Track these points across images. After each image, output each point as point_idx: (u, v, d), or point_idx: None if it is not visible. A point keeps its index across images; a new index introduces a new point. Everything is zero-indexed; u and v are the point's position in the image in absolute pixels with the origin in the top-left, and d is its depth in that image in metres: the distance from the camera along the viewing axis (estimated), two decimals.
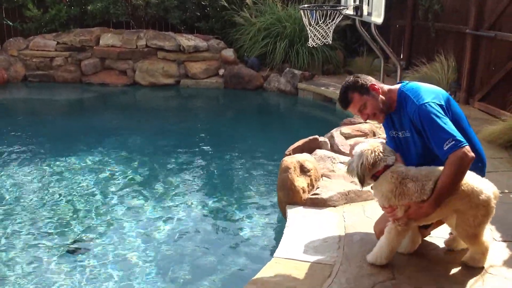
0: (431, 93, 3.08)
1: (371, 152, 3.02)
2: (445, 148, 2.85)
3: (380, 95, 3.19)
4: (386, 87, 3.26)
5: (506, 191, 4.38)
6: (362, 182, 3.06)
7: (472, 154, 2.84)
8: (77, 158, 6.27)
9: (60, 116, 8.85)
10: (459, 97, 7.61)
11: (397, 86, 3.24)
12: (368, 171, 3.01)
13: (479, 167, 3.13)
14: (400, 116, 3.20)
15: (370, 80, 3.23)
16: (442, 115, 2.95)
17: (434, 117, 2.93)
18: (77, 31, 11.17)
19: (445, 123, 2.91)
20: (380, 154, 3.03)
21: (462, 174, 2.87)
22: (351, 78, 3.27)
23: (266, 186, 5.46)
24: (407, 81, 3.29)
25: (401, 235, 3.07)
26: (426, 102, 2.99)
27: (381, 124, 3.53)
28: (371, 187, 3.17)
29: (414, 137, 3.15)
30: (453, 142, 2.84)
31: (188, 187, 5.46)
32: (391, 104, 3.21)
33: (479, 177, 3.03)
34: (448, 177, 2.85)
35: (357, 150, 3.09)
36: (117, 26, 11.70)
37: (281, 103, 10.06)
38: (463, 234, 3.05)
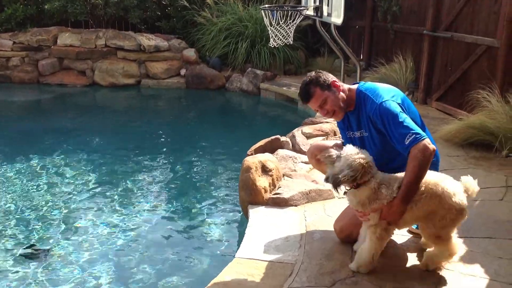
0: (389, 92, 3.17)
1: (360, 164, 2.89)
2: (406, 143, 2.92)
3: (341, 93, 3.24)
4: (345, 85, 3.31)
5: None
6: (338, 189, 2.96)
7: (432, 146, 2.91)
8: (35, 160, 6.13)
9: (17, 118, 8.63)
10: (417, 97, 7.76)
11: (355, 86, 3.31)
12: (353, 182, 2.90)
13: (433, 162, 3.21)
14: (358, 115, 3.25)
15: (331, 77, 3.27)
16: (401, 111, 3.03)
17: (394, 114, 3.00)
18: (34, 30, 10.91)
19: (404, 119, 2.98)
20: (366, 165, 2.90)
21: (426, 166, 2.89)
22: (312, 73, 3.30)
23: (228, 186, 5.45)
24: (364, 82, 3.35)
25: (382, 240, 3.03)
26: (386, 100, 3.07)
27: (337, 126, 3.56)
28: (345, 193, 3.08)
29: (373, 136, 3.20)
30: (414, 135, 2.91)
31: (149, 188, 5.41)
32: (349, 103, 3.26)
33: (455, 181, 3.00)
34: (412, 171, 2.88)
35: (343, 160, 2.93)
36: (75, 26, 11.48)
37: (244, 103, 10.06)
38: (426, 232, 3.05)
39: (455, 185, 2.99)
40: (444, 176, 3.04)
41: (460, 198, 2.94)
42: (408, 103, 3.21)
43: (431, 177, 2.98)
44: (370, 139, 3.24)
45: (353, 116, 3.30)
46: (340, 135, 5.69)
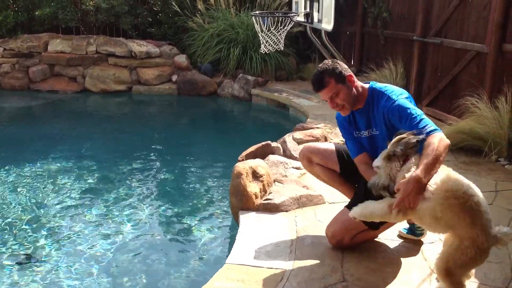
0: (402, 91, 3.17)
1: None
2: (424, 133, 2.84)
3: (354, 88, 3.20)
4: (359, 82, 3.26)
5: None
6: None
7: (447, 140, 2.81)
8: (26, 167, 6.09)
9: (7, 124, 8.58)
10: None
11: (367, 85, 3.27)
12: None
13: None
14: (368, 113, 3.23)
15: (347, 70, 3.22)
16: (417, 109, 3.03)
17: (412, 110, 2.99)
18: (25, 37, 10.90)
19: (421, 115, 2.97)
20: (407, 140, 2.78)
21: (442, 152, 2.72)
22: (329, 62, 3.22)
23: (219, 192, 5.44)
24: (374, 82, 3.32)
25: None
26: (402, 98, 3.08)
27: (339, 127, 3.53)
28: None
29: (383, 134, 3.18)
30: (431, 127, 2.84)
31: (140, 195, 5.39)
32: (359, 100, 3.23)
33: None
34: (431, 150, 2.69)
35: (380, 161, 2.84)
36: (66, 32, 11.48)
37: (235, 109, 10.07)
38: (439, 263, 2.72)
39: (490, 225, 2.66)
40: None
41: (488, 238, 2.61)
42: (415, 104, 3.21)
43: (477, 193, 2.67)
44: (379, 137, 3.22)
45: (362, 115, 3.27)
46: (330, 140, 5.74)
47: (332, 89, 3.16)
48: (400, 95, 3.12)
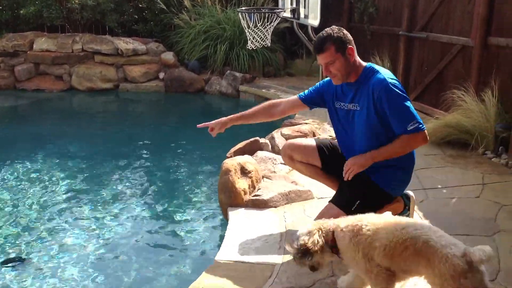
0: (396, 78, 3.20)
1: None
2: (408, 128, 2.97)
3: (351, 62, 3.21)
4: (358, 58, 3.26)
5: (439, 186, 4.54)
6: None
7: (427, 138, 3.03)
8: (12, 167, 6.04)
9: None
10: None
11: (365, 63, 3.29)
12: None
13: (407, 167, 3.31)
14: (358, 88, 3.23)
15: (351, 42, 3.21)
16: (407, 96, 3.08)
17: (402, 96, 3.04)
18: (10, 36, 10.80)
19: (410, 104, 3.03)
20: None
21: (408, 149, 3.09)
22: (335, 29, 3.22)
23: (208, 189, 5.43)
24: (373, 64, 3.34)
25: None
26: (395, 82, 3.11)
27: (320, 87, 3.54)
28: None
29: (363, 113, 3.19)
30: (418, 124, 2.98)
31: (128, 194, 5.36)
32: (353, 74, 3.23)
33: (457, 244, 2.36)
34: (396, 146, 3.04)
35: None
36: (52, 30, 11.38)
37: (223, 106, 10.04)
38: None
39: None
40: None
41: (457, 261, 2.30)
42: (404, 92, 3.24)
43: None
44: (359, 115, 3.22)
45: (350, 88, 3.28)
46: (318, 136, 5.74)
47: (330, 56, 3.17)
48: (393, 79, 3.14)
